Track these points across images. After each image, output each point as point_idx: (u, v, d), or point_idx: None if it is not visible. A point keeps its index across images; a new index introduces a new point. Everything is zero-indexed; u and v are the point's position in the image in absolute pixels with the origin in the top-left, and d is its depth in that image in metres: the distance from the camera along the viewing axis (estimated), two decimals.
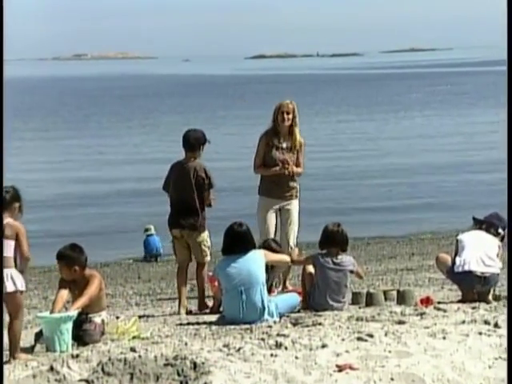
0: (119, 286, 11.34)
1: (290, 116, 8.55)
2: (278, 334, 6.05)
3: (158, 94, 67.56)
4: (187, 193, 7.89)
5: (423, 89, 62.13)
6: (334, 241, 7.42)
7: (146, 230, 14.63)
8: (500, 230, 7.88)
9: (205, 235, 8.01)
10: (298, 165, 8.57)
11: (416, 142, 28.74)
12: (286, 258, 7.14)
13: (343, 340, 5.73)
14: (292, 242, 8.57)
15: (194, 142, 8.02)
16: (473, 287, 7.51)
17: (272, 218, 8.54)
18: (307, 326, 6.37)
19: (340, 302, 7.39)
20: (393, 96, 55.12)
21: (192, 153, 8.00)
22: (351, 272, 7.50)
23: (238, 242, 7.02)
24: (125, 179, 22.58)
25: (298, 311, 7.36)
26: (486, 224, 7.87)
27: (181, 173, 7.96)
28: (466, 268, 7.50)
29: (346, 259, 7.48)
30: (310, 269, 7.52)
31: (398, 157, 25.44)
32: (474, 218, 8.03)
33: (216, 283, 7.66)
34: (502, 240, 7.89)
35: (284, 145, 8.58)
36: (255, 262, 6.97)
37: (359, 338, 5.72)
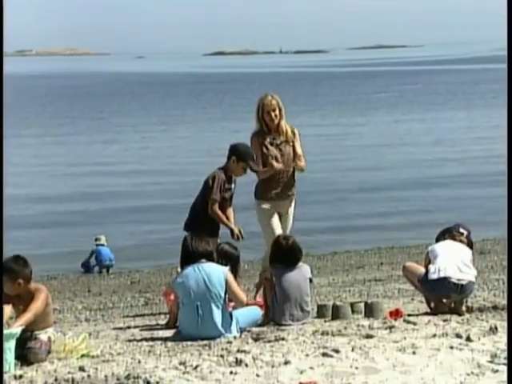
0: (67, 301, 11.25)
1: (277, 112, 8.49)
2: (238, 351, 6.06)
3: (108, 93, 67.19)
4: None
5: (392, 88, 62.68)
6: (287, 254, 7.49)
7: (97, 239, 14.56)
8: (471, 239, 7.99)
9: None
10: (296, 156, 8.45)
11: (381, 151, 28.43)
12: (243, 298, 7.06)
13: (307, 356, 5.75)
14: None
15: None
16: (448, 296, 7.54)
17: (278, 223, 8.47)
18: (269, 341, 6.39)
19: (303, 312, 7.42)
20: (359, 95, 55.54)
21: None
22: (310, 281, 7.55)
23: (195, 253, 7.00)
24: (70, 187, 22.35)
25: (260, 325, 7.37)
26: (454, 232, 7.96)
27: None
28: (442, 274, 7.51)
29: (304, 267, 7.54)
30: (271, 281, 7.55)
31: (360, 167, 25.00)
32: (440, 231, 8.06)
33: (171, 297, 7.64)
34: (471, 248, 8.00)
35: (278, 140, 8.51)
36: (214, 274, 6.96)
37: (324, 354, 5.75)
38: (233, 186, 8.38)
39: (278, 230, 8.38)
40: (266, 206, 8.47)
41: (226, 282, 6.95)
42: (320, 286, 8.76)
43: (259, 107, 8.53)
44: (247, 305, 7.78)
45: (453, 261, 7.62)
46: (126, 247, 15.64)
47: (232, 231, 8.22)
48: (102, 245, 14.42)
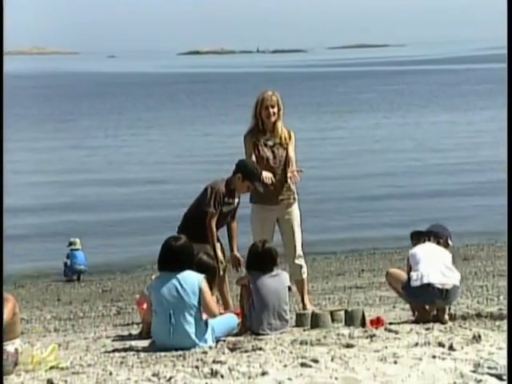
0: (36, 310, 11.20)
1: (276, 109, 8.38)
2: (213, 361, 6.06)
3: (77, 94, 66.89)
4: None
5: (373, 89, 62.95)
6: (262, 258, 7.50)
7: (71, 243, 14.42)
8: (449, 241, 8.02)
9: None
10: (288, 159, 8.35)
11: (360, 157, 28.29)
12: (214, 310, 7.03)
13: (285, 366, 5.77)
14: (299, 251, 8.52)
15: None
16: (433, 302, 7.53)
17: (268, 230, 8.38)
18: (246, 351, 6.39)
19: (281, 321, 7.44)
20: (339, 97, 55.72)
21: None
22: (289, 289, 7.56)
23: (172, 258, 6.99)
24: (32, 198, 22.10)
25: (237, 335, 7.38)
26: (433, 235, 7.98)
27: None
28: (425, 281, 7.50)
29: (283, 274, 7.55)
30: (248, 287, 7.56)
31: (339, 175, 24.58)
32: (415, 233, 8.02)
33: (144, 306, 7.63)
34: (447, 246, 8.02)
35: (272, 142, 8.42)
36: (188, 282, 6.95)
37: (303, 364, 5.76)
38: (236, 200, 8.30)
39: (266, 236, 8.26)
40: (257, 210, 8.43)
41: (200, 290, 6.94)
42: (298, 294, 8.78)
43: (258, 101, 8.42)
44: (224, 312, 7.78)
45: (435, 265, 7.62)
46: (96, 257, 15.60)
47: (216, 254, 8.09)
48: (77, 249, 14.31)
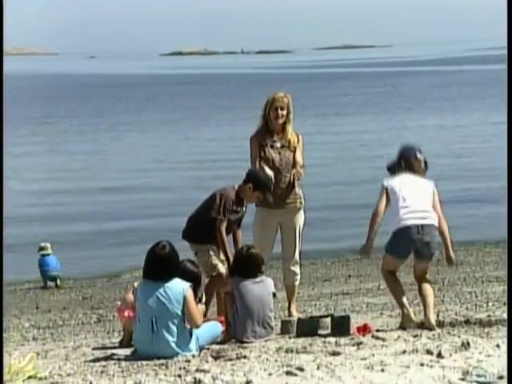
0: (13, 318, 11.15)
1: (285, 112, 8.37)
2: (196, 370, 6.05)
3: (56, 96, 66.66)
4: None
5: (359, 91, 63.11)
6: (245, 263, 7.50)
7: (42, 248, 14.31)
8: (423, 165, 7.83)
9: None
10: (295, 162, 8.37)
11: (344, 163, 28.21)
12: (197, 319, 7.01)
13: (270, 375, 5.77)
14: (296, 257, 8.51)
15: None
16: (412, 241, 7.47)
17: (269, 236, 8.37)
18: (230, 359, 6.39)
19: (266, 328, 7.44)
20: (325, 99, 55.82)
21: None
22: (274, 296, 7.56)
23: (158, 266, 6.98)
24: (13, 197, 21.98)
25: (221, 343, 7.38)
26: (412, 160, 7.78)
27: None
28: (403, 224, 7.49)
29: (268, 281, 7.55)
30: (232, 294, 7.56)
31: (320, 182, 24.68)
32: (391, 166, 7.89)
33: (126, 313, 7.62)
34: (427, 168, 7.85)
35: (279, 143, 8.40)
36: (173, 290, 6.94)
37: (288, 373, 5.77)
38: (243, 209, 8.33)
39: (266, 242, 8.30)
40: (261, 214, 8.41)
41: (185, 299, 6.93)
42: (284, 300, 8.79)
43: (268, 102, 8.41)
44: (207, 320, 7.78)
45: (415, 206, 7.54)
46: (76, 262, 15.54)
47: (228, 260, 8.13)
48: (48, 254, 14.22)
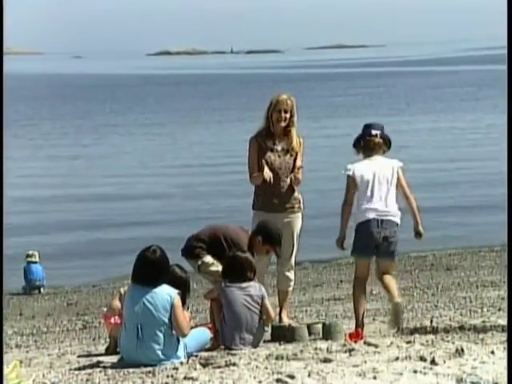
0: None
1: (288, 115, 8.33)
2: (184, 377, 6.04)
3: (39, 96, 66.55)
4: None
5: (351, 92, 63.21)
6: (234, 267, 7.49)
7: (28, 255, 14.35)
8: (385, 135, 8.00)
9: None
10: (295, 168, 8.33)
11: (339, 165, 28.04)
12: (184, 328, 6.98)
13: (260, 382, 5.77)
14: (292, 262, 8.50)
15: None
16: (371, 234, 7.64)
17: None
18: (219, 366, 6.39)
19: (254, 336, 7.43)
20: (316, 100, 55.90)
21: None
22: (262, 301, 7.53)
23: (147, 271, 6.95)
24: None
25: (209, 350, 7.37)
26: (368, 138, 7.92)
27: None
28: (366, 218, 7.65)
29: (255, 285, 7.53)
30: (219, 301, 7.54)
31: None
32: (357, 139, 8.03)
33: (112, 320, 7.60)
34: (389, 145, 8.02)
35: (279, 147, 8.37)
36: (160, 297, 6.92)
37: (278, 380, 5.77)
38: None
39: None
40: (258, 217, 8.37)
41: (172, 306, 6.91)
42: (274, 306, 8.78)
43: (271, 103, 8.37)
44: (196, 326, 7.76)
45: (376, 198, 7.69)
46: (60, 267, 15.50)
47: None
48: (35, 262, 14.22)
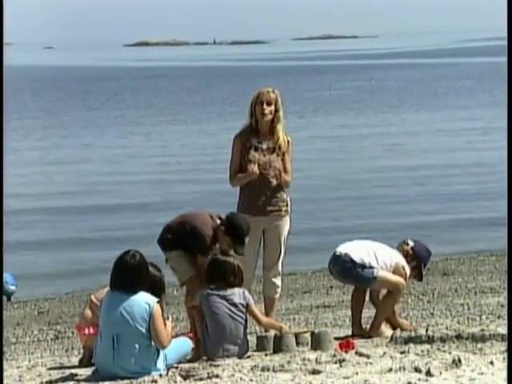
0: None
1: (272, 108, 8.34)
2: None
3: (6, 90, 66.06)
4: None
5: (341, 85, 63.31)
6: (223, 273, 7.48)
7: None
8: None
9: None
10: (284, 171, 8.38)
11: (328, 163, 28.15)
12: (163, 339, 6.96)
13: None
14: (279, 268, 8.52)
15: None
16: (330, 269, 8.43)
17: (254, 244, 8.32)
18: (201, 378, 6.39)
19: (238, 346, 7.43)
20: (304, 94, 55.96)
21: None
22: (247, 308, 7.52)
23: (125, 276, 6.95)
24: None
25: (191, 361, 7.37)
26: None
27: None
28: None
29: (240, 293, 7.51)
30: (200, 309, 7.53)
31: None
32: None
33: (86, 330, 7.59)
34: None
35: (265, 145, 8.38)
36: (137, 306, 6.91)
37: None
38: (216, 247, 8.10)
39: (249, 252, 8.21)
40: None
41: (151, 316, 6.90)
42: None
43: (253, 98, 8.41)
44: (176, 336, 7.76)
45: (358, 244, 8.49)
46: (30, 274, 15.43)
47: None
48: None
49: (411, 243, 8.58)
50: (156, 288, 7.15)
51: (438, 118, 40.37)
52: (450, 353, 6.95)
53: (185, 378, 6.51)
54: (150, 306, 6.90)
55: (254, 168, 8.30)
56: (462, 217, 19.44)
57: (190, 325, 7.81)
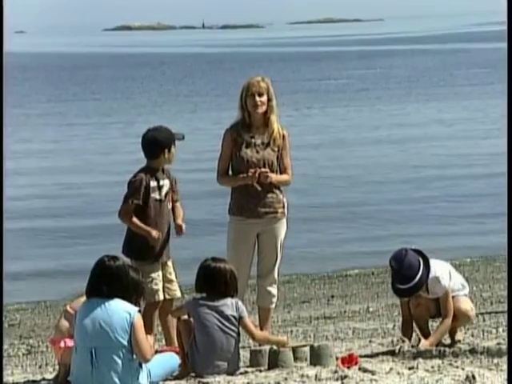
0: None
1: (264, 99, 8.35)
2: None
3: None
4: None
5: (343, 74, 63.39)
6: (214, 281, 7.47)
7: None
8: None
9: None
10: (283, 169, 8.41)
11: (328, 159, 28.18)
12: (146, 351, 6.93)
13: None
14: (275, 275, 8.53)
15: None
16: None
17: (247, 250, 8.37)
18: None
19: (229, 361, 7.42)
20: (302, 83, 56.00)
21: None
22: (239, 320, 7.51)
23: (104, 282, 6.94)
24: None
25: (177, 377, 7.36)
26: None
27: None
28: None
29: (233, 304, 7.50)
30: (187, 321, 7.52)
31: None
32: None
33: (61, 344, 7.58)
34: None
35: (259, 140, 8.38)
36: (117, 315, 6.90)
37: None
38: (166, 181, 8.24)
39: (243, 258, 8.29)
40: (235, 224, 8.41)
41: (132, 326, 6.88)
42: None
43: (243, 89, 8.42)
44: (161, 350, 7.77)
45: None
46: None
47: (149, 234, 8.09)
48: None
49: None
50: (134, 291, 7.06)
51: (453, 109, 40.41)
52: (463, 369, 6.96)
53: None
54: (130, 315, 6.88)
55: (256, 174, 8.27)
56: (474, 220, 19.46)
57: (177, 338, 7.78)
